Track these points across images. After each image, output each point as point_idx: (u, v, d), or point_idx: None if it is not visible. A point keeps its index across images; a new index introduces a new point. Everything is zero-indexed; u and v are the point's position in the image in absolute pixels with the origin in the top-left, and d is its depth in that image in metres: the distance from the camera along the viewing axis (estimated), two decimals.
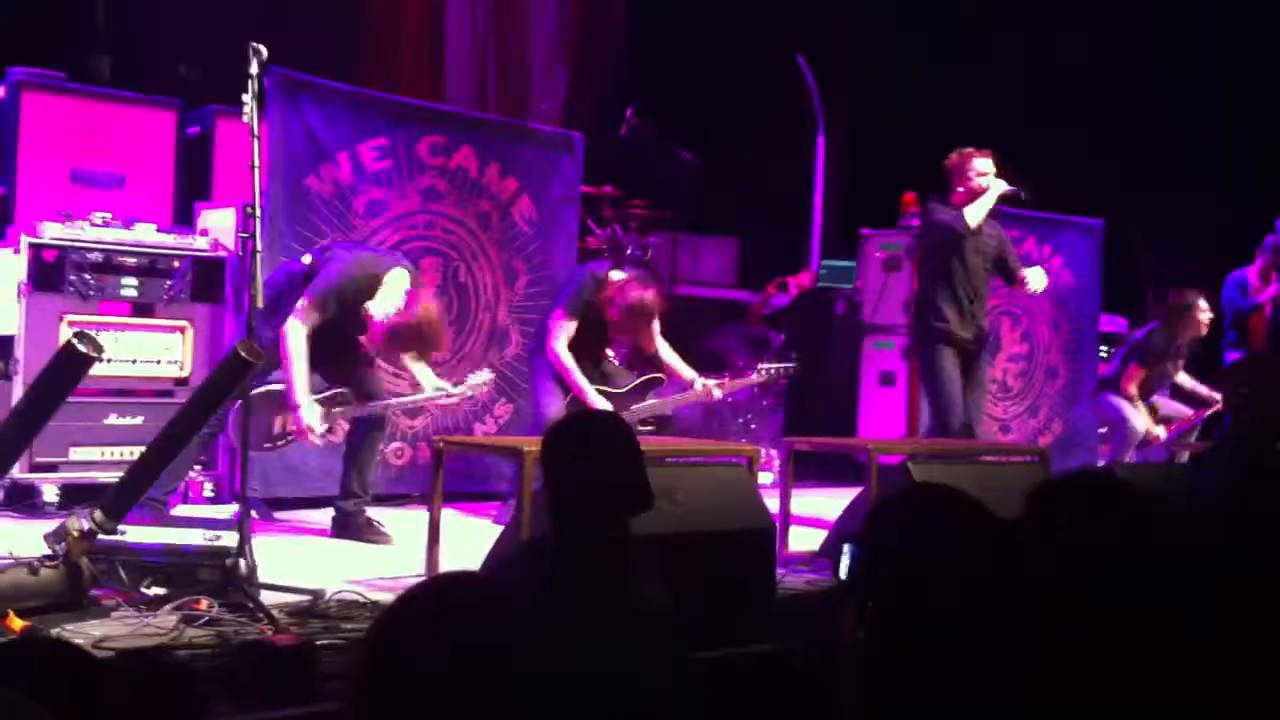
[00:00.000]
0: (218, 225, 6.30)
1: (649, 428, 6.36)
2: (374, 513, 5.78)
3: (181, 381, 5.94)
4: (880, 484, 5.34)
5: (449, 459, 6.34)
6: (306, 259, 5.49)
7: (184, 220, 6.50)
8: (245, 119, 4.36)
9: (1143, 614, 1.81)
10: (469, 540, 4.67)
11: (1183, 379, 7.93)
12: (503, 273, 7.00)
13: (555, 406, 5.98)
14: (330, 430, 5.39)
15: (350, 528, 5.52)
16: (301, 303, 5.23)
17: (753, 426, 8.38)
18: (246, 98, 4.33)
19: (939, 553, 2.08)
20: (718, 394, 6.26)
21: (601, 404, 5.95)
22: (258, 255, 4.35)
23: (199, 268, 6.05)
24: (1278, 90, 10.01)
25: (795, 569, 5.06)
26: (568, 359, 6.02)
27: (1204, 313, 7.71)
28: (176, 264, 6.00)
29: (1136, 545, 1.88)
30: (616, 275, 6.14)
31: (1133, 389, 7.57)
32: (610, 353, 6.38)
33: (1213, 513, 2.37)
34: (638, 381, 6.30)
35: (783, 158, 10.95)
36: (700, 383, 6.19)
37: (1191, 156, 10.13)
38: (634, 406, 6.18)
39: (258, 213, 4.33)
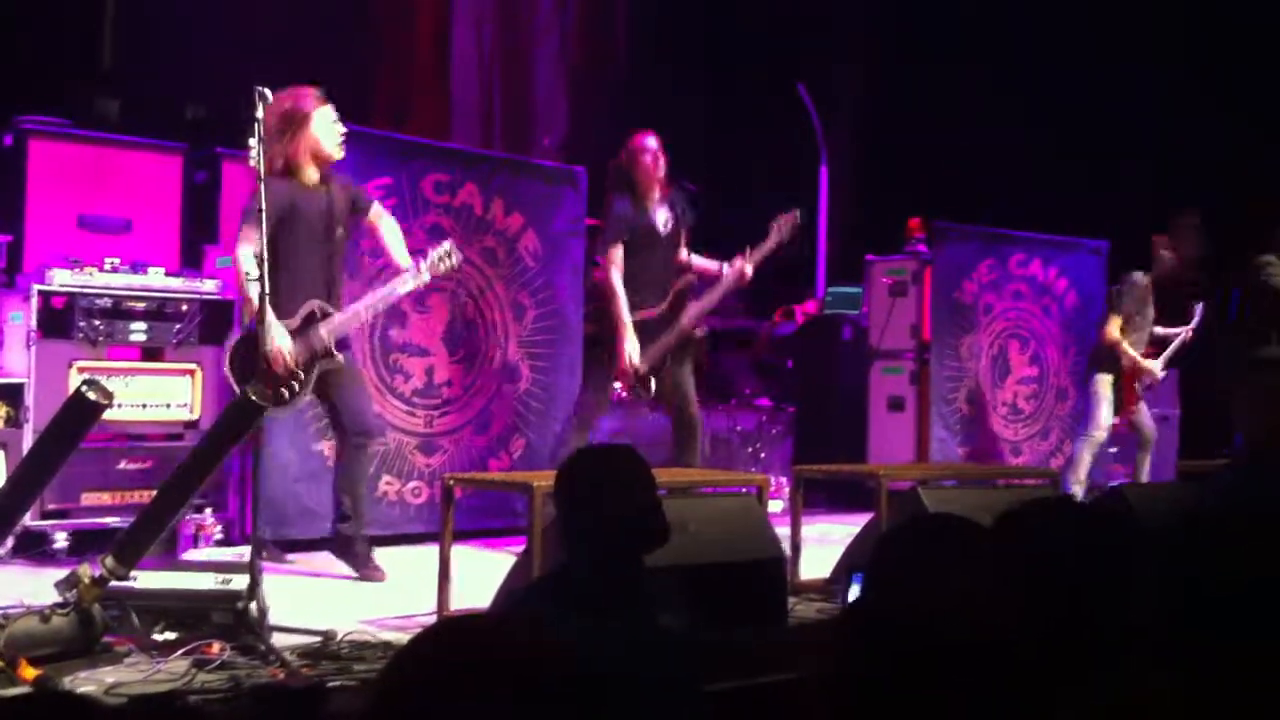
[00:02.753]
0: (226, 268, 6.32)
1: (703, 330, 6.61)
2: (392, 551, 5.78)
3: (191, 424, 5.96)
4: (891, 510, 5.33)
5: (467, 496, 6.39)
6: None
7: (192, 263, 6.53)
8: (251, 162, 4.40)
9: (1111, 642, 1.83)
10: (488, 576, 4.67)
11: (1158, 331, 7.94)
12: (511, 308, 7.02)
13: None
14: (327, 353, 5.32)
15: (347, 552, 5.50)
16: (240, 229, 5.21)
17: (762, 455, 8.38)
18: (252, 141, 4.37)
19: (944, 585, 2.08)
20: (749, 270, 6.45)
21: (630, 343, 6.20)
22: (265, 298, 4.38)
23: (207, 310, 6.08)
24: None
25: (807, 597, 5.06)
26: (619, 289, 6.28)
27: (1167, 250, 7.67)
28: (185, 307, 6.03)
29: (1098, 571, 1.90)
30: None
31: (1114, 333, 7.56)
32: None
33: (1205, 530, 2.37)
34: (673, 296, 6.43)
35: (786, 185, 10.97)
36: (727, 268, 6.44)
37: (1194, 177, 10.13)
38: (680, 317, 6.36)
39: (264, 255, 4.36)
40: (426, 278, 5.54)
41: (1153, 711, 1.76)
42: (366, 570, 5.46)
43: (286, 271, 5.25)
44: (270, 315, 4.81)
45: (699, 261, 6.61)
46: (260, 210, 4.38)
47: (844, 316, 9.45)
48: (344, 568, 5.50)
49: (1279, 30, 9.66)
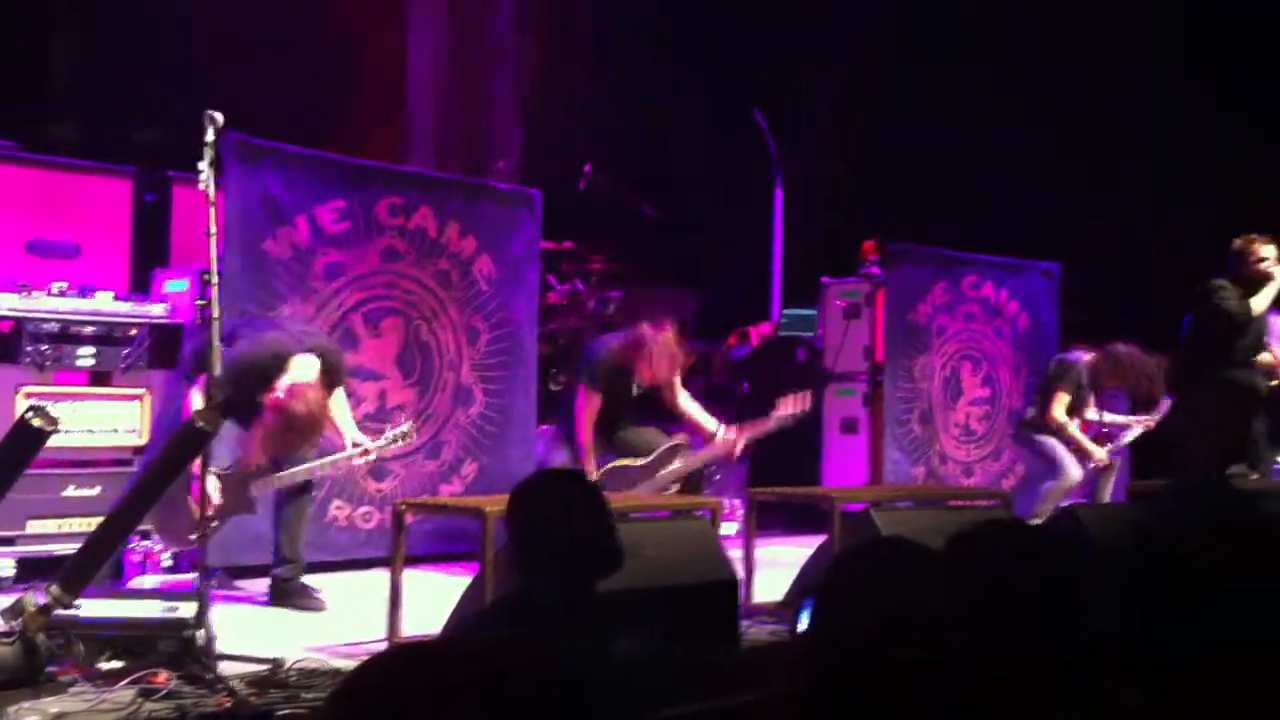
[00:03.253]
0: (175, 292, 6.28)
1: (677, 488, 6.43)
2: (341, 577, 5.73)
3: (140, 450, 5.90)
4: (843, 532, 5.34)
5: (419, 521, 6.35)
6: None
7: (141, 287, 6.47)
8: (201, 186, 4.36)
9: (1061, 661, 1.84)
10: (440, 602, 4.64)
11: (1106, 416, 7.96)
12: (464, 332, 7.00)
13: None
14: (245, 508, 5.29)
15: (285, 594, 5.45)
16: (200, 379, 5.13)
17: (716, 478, 8.38)
18: (203, 165, 4.34)
19: (896, 606, 2.09)
20: (740, 447, 6.41)
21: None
22: (214, 323, 4.33)
23: (156, 335, 6.02)
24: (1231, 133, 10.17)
25: (760, 620, 5.05)
26: (590, 448, 6.26)
27: (1129, 360, 7.59)
28: (134, 332, 5.97)
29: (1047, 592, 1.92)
30: (625, 336, 6.42)
31: (1060, 414, 7.57)
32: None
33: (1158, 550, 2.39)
34: (662, 449, 6.38)
35: (741, 208, 11.02)
36: (721, 434, 6.39)
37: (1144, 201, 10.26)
38: (659, 474, 6.32)
39: (215, 279, 4.32)
40: (373, 456, 5.50)
41: None
42: (304, 602, 5.41)
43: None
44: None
45: (694, 412, 6.53)
46: (209, 234, 4.34)
47: (798, 339, 9.49)
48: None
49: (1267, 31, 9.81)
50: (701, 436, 6.50)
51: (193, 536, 5.10)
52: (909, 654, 1.96)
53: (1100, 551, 4.23)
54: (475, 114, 9.97)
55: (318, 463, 5.43)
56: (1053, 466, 7.57)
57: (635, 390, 6.41)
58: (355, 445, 5.45)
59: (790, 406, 6.48)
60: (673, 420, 6.52)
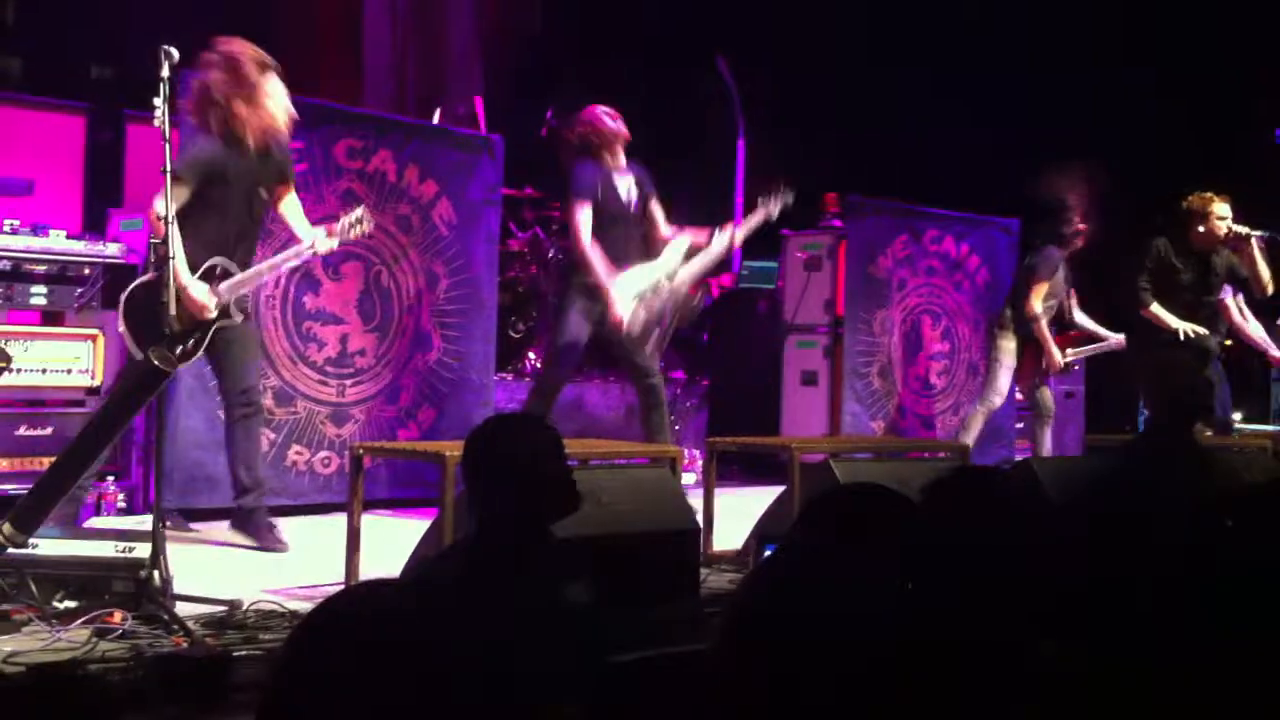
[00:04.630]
0: (130, 231, 6.18)
1: (698, 295, 6.64)
2: (299, 521, 5.70)
3: (93, 391, 5.82)
4: (803, 482, 5.36)
5: (378, 466, 6.31)
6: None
7: (95, 227, 6.37)
8: (156, 123, 4.29)
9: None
10: (396, 547, 4.62)
11: (1081, 319, 8.02)
12: (424, 276, 6.94)
13: (574, 325, 6.27)
14: (225, 312, 5.17)
15: (249, 525, 5.40)
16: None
17: (676, 427, 8.39)
18: (158, 101, 4.26)
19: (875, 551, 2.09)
20: (739, 237, 6.61)
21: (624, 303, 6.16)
22: (171, 261, 4.27)
23: (110, 274, 5.93)
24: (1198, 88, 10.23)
25: (719, 568, 5.07)
26: (595, 254, 6.22)
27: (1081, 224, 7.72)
28: (87, 271, 5.89)
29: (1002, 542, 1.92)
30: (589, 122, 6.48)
31: (1037, 306, 7.63)
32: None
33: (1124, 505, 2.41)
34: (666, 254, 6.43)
35: (703, 159, 10.97)
36: (717, 237, 6.52)
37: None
38: (680, 275, 6.39)
39: (170, 218, 4.25)
40: (335, 244, 5.38)
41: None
42: (268, 541, 5.38)
43: (200, 230, 5.12)
44: (185, 270, 4.76)
45: (686, 232, 6.57)
46: (165, 171, 4.27)
47: (759, 291, 9.49)
48: (244, 540, 5.41)
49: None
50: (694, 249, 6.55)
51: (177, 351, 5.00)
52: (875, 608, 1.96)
53: (1057, 505, 4.27)
54: (433, 54, 9.84)
55: (281, 256, 5.39)
56: (987, 381, 7.68)
57: (627, 198, 6.43)
58: (313, 235, 5.39)
59: (774, 197, 6.65)
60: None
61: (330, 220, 5.49)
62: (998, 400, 7.73)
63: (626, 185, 6.46)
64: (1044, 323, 7.66)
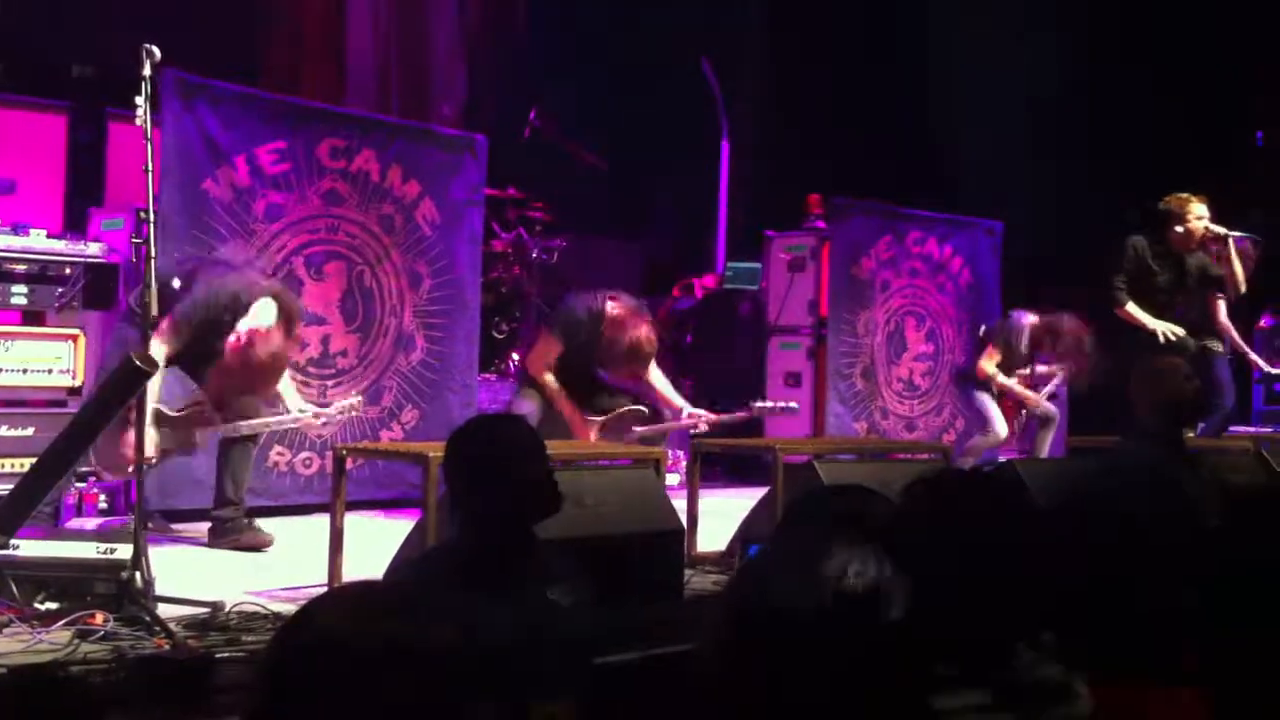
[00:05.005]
0: (111, 230, 6.15)
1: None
2: (281, 522, 5.67)
3: (74, 391, 5.78)
4: (787, 483, 5.35)
5: (360, 467, 6.29)
6: (176, 282, 5.30)
7: (76, 226, 6.34)
8: (138, 122, 4.26)
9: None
10: (379, 548, 4.61)
11: (1038, 369, 8.05)
12: (407, 276, 6.92)
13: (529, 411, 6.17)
14: (185, 450, 5.27)
15: (227, 534, 5.41)
16: (163, 324, 5.06)
17: None
18: (139, 100, 4.24)
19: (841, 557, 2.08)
20: (704, 427, 6.37)
21: (586, 422, 6.19)
22: (152, 261, 4.24)
23: (91, 274, 5.89)
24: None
25: (703, 570, 5.06)
26: (551, 381, 6.23)
27: (1070, 337, 7.65)
28: (68, 270, 5.84)
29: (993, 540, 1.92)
30: (612, 308, 6.25)
31: (990, 367, 7.65)
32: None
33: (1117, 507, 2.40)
34: (621, 411, 6.41)
35: (687, 160, 10.98)
36: (687, 412, 6.36)
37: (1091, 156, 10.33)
38: (625, 438, 6.32)
39: (152, 218, 4.23)
40: (321, 422, 5.59)
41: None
42: (251, 538, 5.37)
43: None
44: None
45: (662, 388, 6.51)
46: (146, 170, 4.24)
47: (743, 292, 9.48)
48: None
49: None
50: (667, 410, 6.50)
51: (130, 469, 5.05)
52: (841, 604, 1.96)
53: (1043, 508, 4.27)
54: (417, 54, 9.81)
55: (263, 420, 5.45)
56: (982, 421, 7.67)
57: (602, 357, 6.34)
58: (302, 410, 5.49)
59: (772, 403, 6.62)
60: (636, 390, 6.50)
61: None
62: (1003, 433, 7.71)
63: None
64: (1001, 377, 7.68)
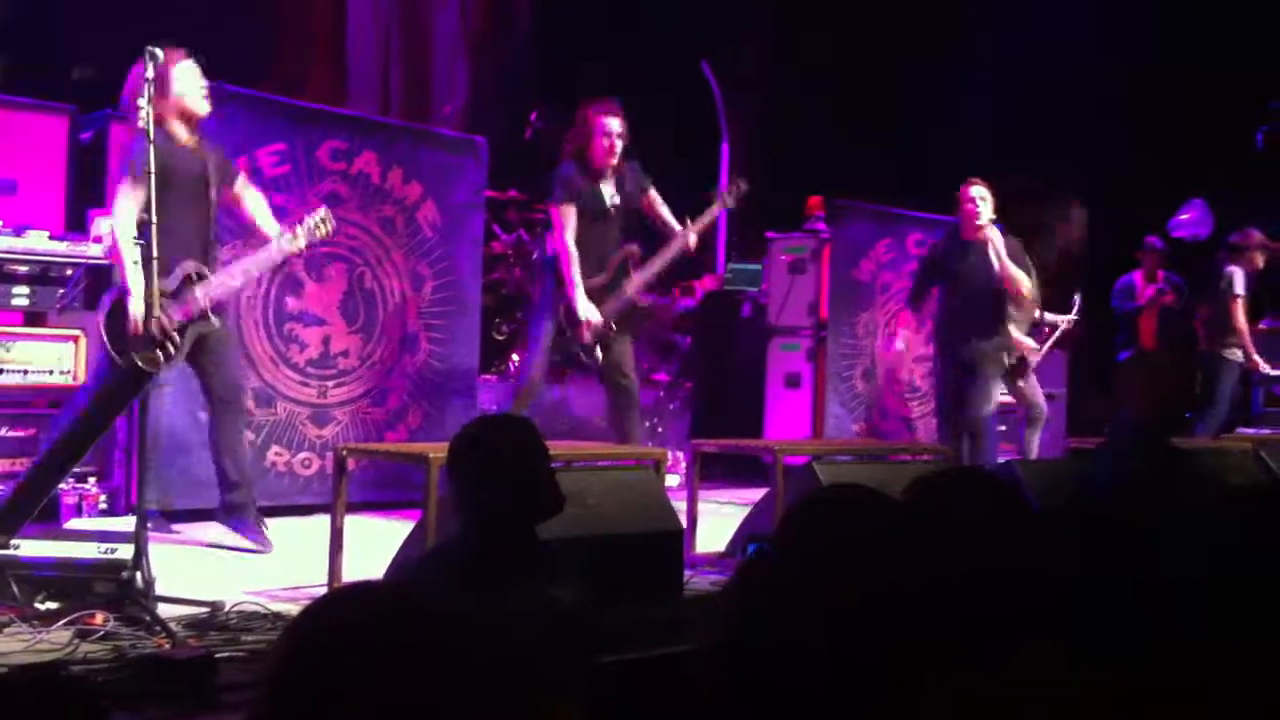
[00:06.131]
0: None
1: (649, 300, 6.62)
2: (280, 522, 5.68)
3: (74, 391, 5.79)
4: (786, 484, 5.36)
5: (360, 468, 6.29)
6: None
7: (77, 227, 6.34)
8: (140, 124, 4.27)
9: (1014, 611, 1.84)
10: (379, 549, 4.61)
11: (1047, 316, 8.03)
12: (409, 278, 6.93)
13: (545, 326, 6.27)
14: (203, 315, 5.20)
15: (236, 517, 5.40)
16: (121, 186, 5.07)
17: (660, 430, 8.40)
18: (142, 102, 4.25)
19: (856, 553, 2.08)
20: (692, 239, 6.53)
21: (584, 308, 6.17)
22: (154, 263, 4.25)
23: (92, 276, 5.91)
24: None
25: (702, 570, 5.08)
26: (572, 250, 6.22)
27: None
28: (70, 272, 5.86)
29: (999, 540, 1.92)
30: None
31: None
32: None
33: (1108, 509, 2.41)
34: (615, 262, 6.42)
35: (688, 161, 10.97)
36: (678, 232, 6.50)
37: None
38: (625, 283, 6.38)
39: (153, 219, 4.24)
40: (302, 243, 5.37)
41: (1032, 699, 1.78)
42: (254, 536, 5.37)
43: (162, 232, 5.09)
44: (139, 282, 4.72)
45: (662, 212, 6.60)
46: (147, 172, 4.26)
47: (743, 293, 9.49)
48: (232, 539, 5.39)
49: None
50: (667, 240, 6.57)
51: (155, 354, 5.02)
52: (857, 602, 1.96)
53: (1041, 507, 4.29)
54: (419, 56, 9.82)
55: (253, 259, 5.39)
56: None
57: (609, 202, 6.40)
58: (281, 235, 5.39)
59: (729, 193, 6.80)
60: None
61: (294, 222, 5.46)
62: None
63: (608, 192, 6.41)
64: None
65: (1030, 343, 7.64)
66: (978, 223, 6.92)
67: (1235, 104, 10.22)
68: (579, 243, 6.29)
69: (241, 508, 5.41)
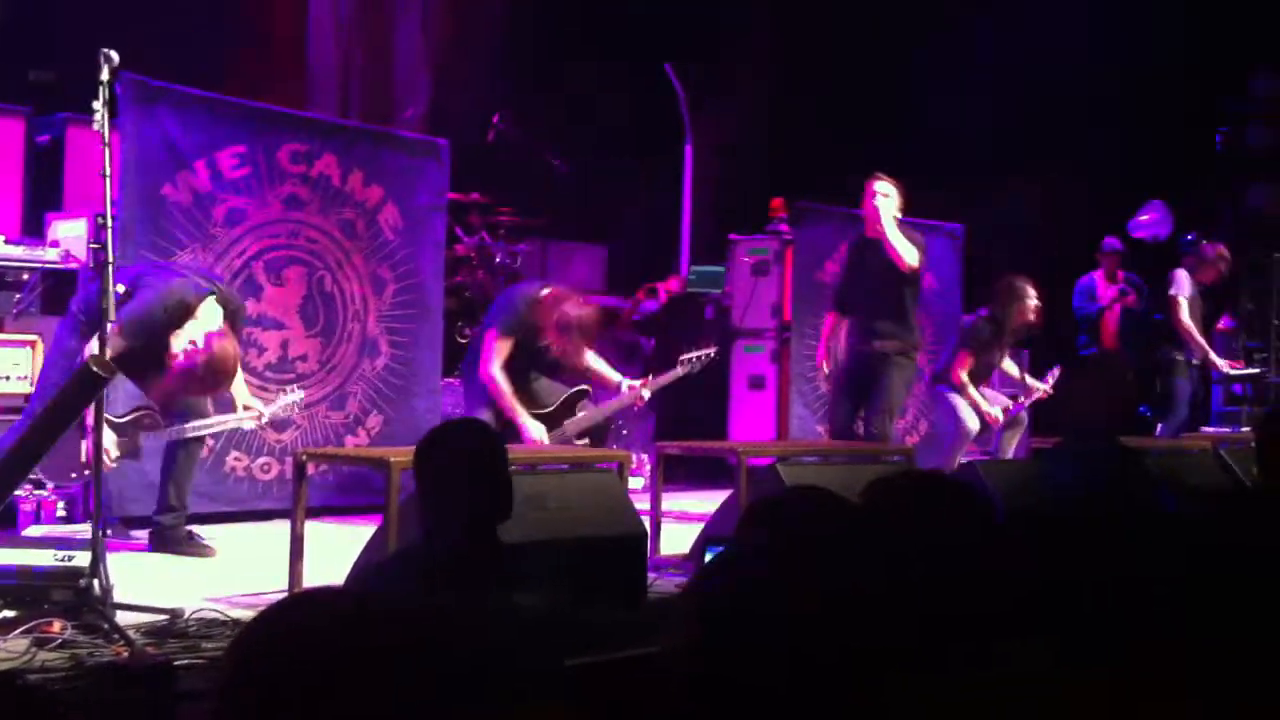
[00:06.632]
0: (69, 236, 6.10)
1: (584, 440, 6.35)
2: (239, 528, 5.64)
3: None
4: (750, 486, 5.37)
5: (320, 473, 6.26)
6: (120, 287, 5.26)
7: (34, 231, 6.28)
8: (96, 126, 4.23)
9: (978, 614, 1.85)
10: (340, 554, 4.58)
11: (1009, 366, 7.97)
12: (370, 282, 6.89)
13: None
14: (132, 454, 5.25)
15: (168, 542, 5.39)
16: (110, 328, 5.04)
17: (625, 431, 8.38)
18: (97, 104, 4.21)
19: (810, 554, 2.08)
20: (646, 394, 6.38)
21: (535, 427, 6.06)
22: (109, 267, 4.20)
23: (49, 280, 5.85)
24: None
25: (666, 573, 5.07)
26: (503, 382, 6.10)
27: (1031, 299, 7.54)
28: (26, 276, 5.81)
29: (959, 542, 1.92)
30: (546, 291, 6.23)
31: (963, 376, 7.56)
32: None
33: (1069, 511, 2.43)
34: (565, 396, 6.35)
35: (651, 163, 10.98)
36: (626, 385, 6.34)
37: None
38: (566, 423, 6.26)
39: (109, 223, 4.19)
40: (265, 419, 5.58)
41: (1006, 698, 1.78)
42: (191, 550, 5.34)
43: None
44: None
45: (599, 368, 6.44)
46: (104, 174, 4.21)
47: (707, 295, 9.49)
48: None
49: None
50: (607, 391, 6.48)
51: (74, 475, 5.05)
52: (815, 605, 1.95)
53: (1003, 508, 4.31)
54: (380, 59, 9.78)
55: (209, 421, 5.44)
56: (953, 419, 7.63)
57: (545, 346, 6.34)
58: (247, 408, 5.47)
59: (695, 361, 6.53)
60: (578, 378, 6.47)
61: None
62: (974, 428, 7.58)
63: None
64: (970, 388, 7.54)
65: (992, 411, 7.57)
66: (878, 223, 6.70)
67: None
68: (523, 370, 6.24)
69: (171, 530, 5.40)
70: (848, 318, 7.06)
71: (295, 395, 5.60)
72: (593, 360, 6.40)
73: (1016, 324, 7.60)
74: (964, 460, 7.29)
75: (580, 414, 6.34)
